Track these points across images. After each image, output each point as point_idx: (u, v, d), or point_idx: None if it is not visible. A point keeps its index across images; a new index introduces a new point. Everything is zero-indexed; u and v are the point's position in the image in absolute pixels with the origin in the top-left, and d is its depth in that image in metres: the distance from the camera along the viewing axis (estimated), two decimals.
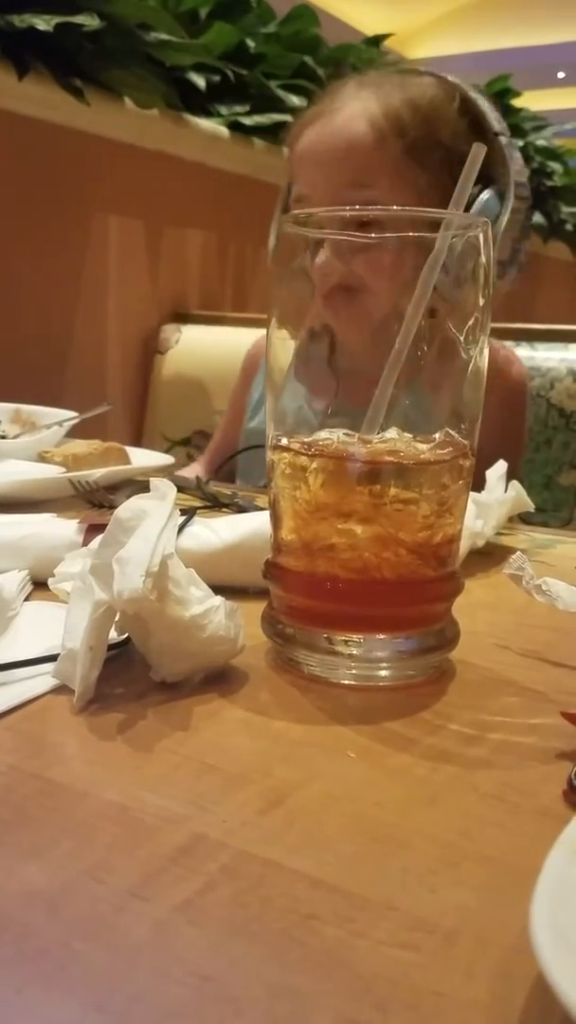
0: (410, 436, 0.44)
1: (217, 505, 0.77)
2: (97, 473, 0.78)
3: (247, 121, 1.79)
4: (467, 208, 0.81)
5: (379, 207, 0.43)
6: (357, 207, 0.43)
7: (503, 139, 0.91)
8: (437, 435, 0.44)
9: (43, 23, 1.31)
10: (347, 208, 0.44)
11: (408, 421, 0.44)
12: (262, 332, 1.22)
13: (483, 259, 0.43)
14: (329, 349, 0.45)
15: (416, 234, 0.43)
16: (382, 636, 0.43)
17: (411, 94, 0.91)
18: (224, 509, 0.76)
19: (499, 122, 0.92)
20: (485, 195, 0.88)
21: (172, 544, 0.41)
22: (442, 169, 0.89)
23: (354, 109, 0.91)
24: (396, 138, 0.89)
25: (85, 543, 0.54)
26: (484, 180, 0.90)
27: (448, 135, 0.90)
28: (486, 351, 0.44)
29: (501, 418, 0.78)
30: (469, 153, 0.90)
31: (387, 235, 0.42)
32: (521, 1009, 0.23)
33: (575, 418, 1.24)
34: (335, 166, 0.90)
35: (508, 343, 1.30)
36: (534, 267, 3.26)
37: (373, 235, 0.42)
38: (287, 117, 1.85)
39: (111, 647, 0.41)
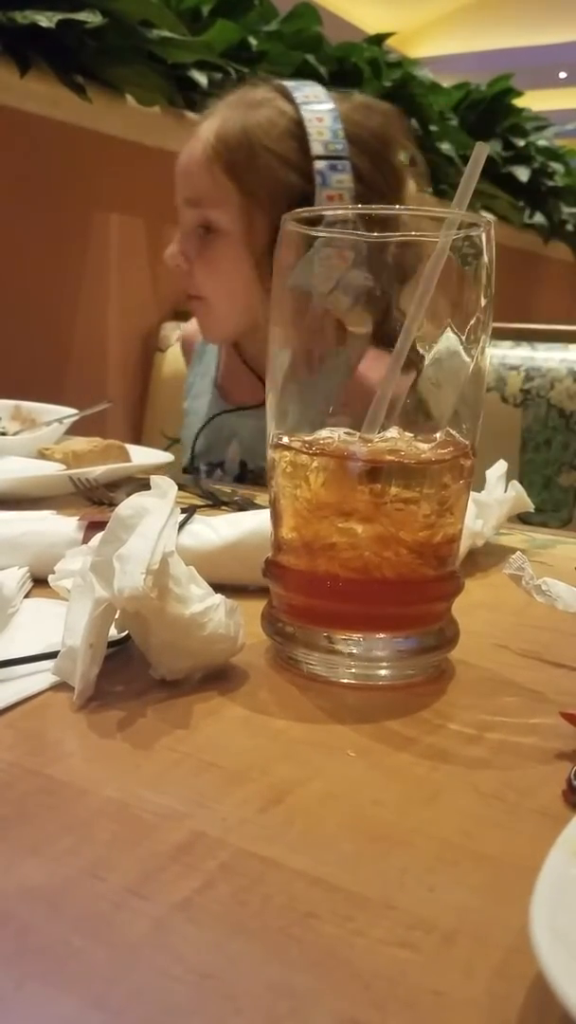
0: (411, 435, 0.44)
1: (217, 503, 0.77)
2: (97, 470, 0.78)
3: None
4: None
5: (384, 206, 0.43)
6: (360, 206, 0.43)
7: (319, 163, 0.96)
8: (438, 435, 0.44)
9: (45, 19, 1.31)
10: (350, 208, 0.44)
11: (409, 420, 0.44)
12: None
13: (485, 259, 0.43)
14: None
15: (419, 234, 0.43)
16: (382, 635, 0.43)
17: (247, 122, 0.97)
18: (224, 507, 0.76)
19: (321, 145, 0.97)
20: None
21: (173, 542, 0.41)
22: (265, 193, 0.97)
23: (201, 130, 1.00)
24: (219, 160, 0.97)
25: (85, 540, 0.54)
26: (301, 203, 0.95)
27: (270, 161, 0.97)
28: (488, 351, 0.44)
29: None
30: (289, 178, 0.90)
31: (390, 235, 0.42)
32: (520, 1008, 0.23)
33: (574, 418, 1.24)
34: (179, 183, 1.01)
35: (508, 343, 1.30)
36: (534, 267, 3.26)
37: (376, 234, 0.42)
38: None
39: (111, 644, 0.42)
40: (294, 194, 0.96)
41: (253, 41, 1.78)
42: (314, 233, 0.44)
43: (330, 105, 0.99)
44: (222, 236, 1.00)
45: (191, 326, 1.28)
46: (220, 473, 1.13)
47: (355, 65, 2.07)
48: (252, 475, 1.10)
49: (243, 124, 0.97)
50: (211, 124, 0.99)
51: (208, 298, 1.03)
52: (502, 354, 1.29)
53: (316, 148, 0.96)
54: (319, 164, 0.96)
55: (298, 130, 0.97)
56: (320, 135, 0.97)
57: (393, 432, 0.44)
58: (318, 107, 0.99)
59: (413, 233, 0.43)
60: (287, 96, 1.00)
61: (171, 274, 1.18)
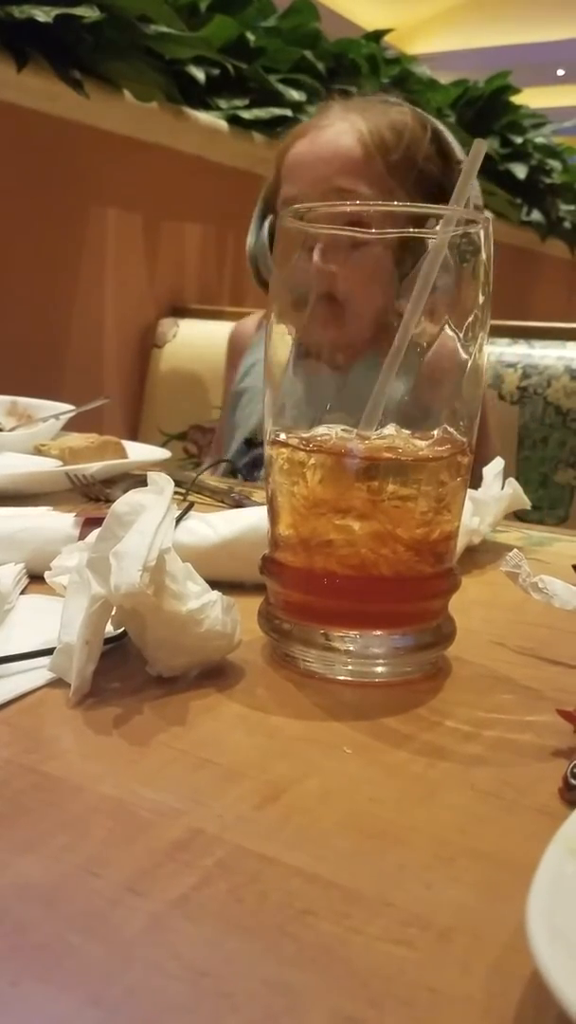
0: (408, 432, 0.44)
1: (215, 493, 0.77)
2: (94, 467, 0.78)
3: (246, 115, 1.78)
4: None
5: (379, 202, 0.43)
6: (358, 203, 0.43)
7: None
8: (435, 432, 0.44)
9: (43, 14, 1.31)
10: (347, 203, 0.44)
11: (406, 417, 0.44)
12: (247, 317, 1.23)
13: (483, 256, 0.43)
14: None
15: (417, 231, 0.43)
16: (379, 632, 0.43)
17: (393, 120, 1.04)
18: (221, 504, 0.76)
19: (462, 153, 1.07)
20: None
21: (169, 539, 0.41)
22: (415, 188, 1.03)
23: (343, 126, 1.04)
24: (380, 155, 1.01)
25: (82, 537, 0.54)
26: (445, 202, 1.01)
27: (422, 159, 1.04)
28: (486, 348, 0.44)
29: None
30: (443, 176, 0.99)
31: (387, 231, 0.42)
32: (516, 1006, 0.23)
33: (571, 416, 1.24)
34: (323, 172, 1.02)
35: (505, 340, 1.31)
36: (532, 265, 3.26)
37: (374, 231, 0.42)
38: (286, 111, 1.84)
39: (107, 641, 0.41)
40: (436, 190, 1.04)
41: (251, 37, 1.78)
42: (313, 229, 0.44)
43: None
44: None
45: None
46: None
47: (353, 61, 2.07)
48: None
49: (396, 123, 1.04)
50: (357, 122, 1.03)
51: (354, 294, 1.06)
52: (499, 351, 1.30)
53: (458, 154, 1.06)
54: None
55: (435, 137, 1.06)
56: (454, 144, 1.08)
57: (390, 429, 0.44)
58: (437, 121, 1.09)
59: (412, 230, 0.43)
60: (412, 109, 1.09)
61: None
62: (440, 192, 1.04)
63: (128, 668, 0.42)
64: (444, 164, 1.06)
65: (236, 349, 1.36)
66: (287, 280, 0.45)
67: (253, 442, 1.19)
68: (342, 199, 1.00)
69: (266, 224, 1.14)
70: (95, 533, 0.42)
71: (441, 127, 1.08)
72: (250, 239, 1.16)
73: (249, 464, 1.17)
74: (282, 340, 0.45)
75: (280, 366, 0.45)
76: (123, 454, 0.87)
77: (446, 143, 1.07)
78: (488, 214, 0.43)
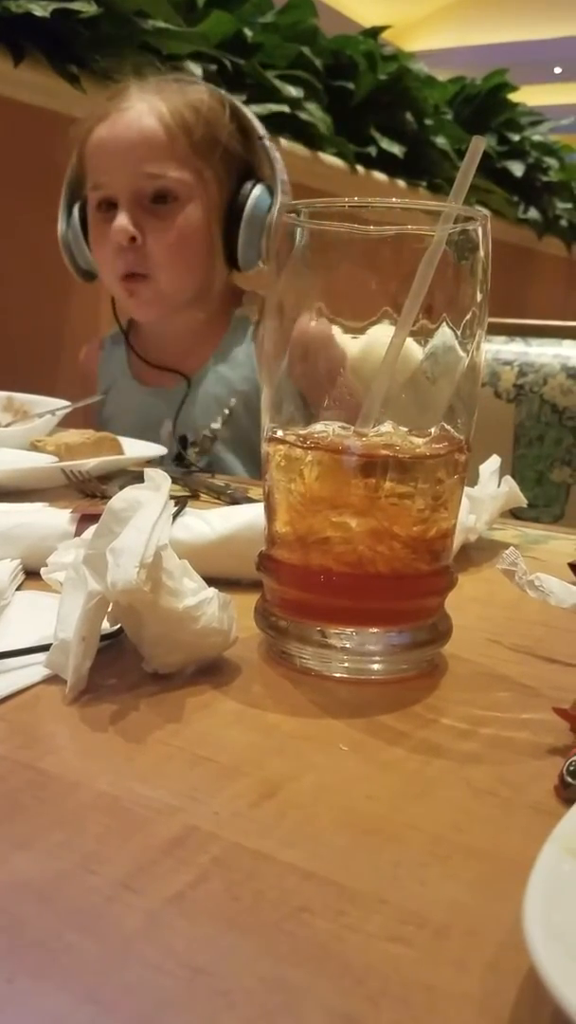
0: (406, 430, 0.44)
1: (211, 491, 0.77)
2: (90, 463, 0.78)
3: None
4: (241, 204, 1.06)
5: (379, 199, 0.43)
6: (356, 199, 0.43)
7: (266, 142, 1.08)
8: (433, 429, 0.44)
9: (40, 9, 1.30)
10: (345, 200, 0.44)
11: (404, 415, 0.44)
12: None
13: (481, 253, 0.43)
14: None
15: (416, 228, 0.43)
16: (375, 630, 0.43)
17: (191, 98, 1.06)
18: (217, 500, 0.76)
19: (262, 128, 1.10)
20: (257, 190, 1.06)
21: (166, 535, 0.41)
22: (221, 165, 1.06)
23: (143, 107, 1.05)
24: (183, 135, 1.03)
25: (78, 533, 0.54)
26: (253, 178, 1.08)
27: (224, 135, 1.06)
28: (483, 346, 0.44)
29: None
30: (246, 152, 1.05)
31: (386, 228, 0.42)
32: (512, 1003, 0.23)
33: (567, 414, 1.24)
34: (129, 156, 1.03)
35: (501, 338, 1.31)
36: (528, 263, 3.26)
37: (372, 227, 0.42)
38: (284, 107, 1.84)
39: (104, 638, 0.41)
40: (241, 166, 1.07)
41: (248, 33, 1.78)
42: (310, 226, 0.44)
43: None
44: (181, 203, 1.05)
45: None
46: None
47: (350, 58, 2.07)
48: (196, 447, 1.12)
49: (194, 102, 1.06)
50: (155, 103, 1.05)
51: (157, 272, 1.06)
52: (496, 349, 1.29)
53: (258, 129, 1.09)
54: (267, 143, 1.09)
55: (234, 113, 1.08)
56: (253, 120, 1.10)
57: (388, 426, 0.44)
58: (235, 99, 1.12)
59: (410, 227, 0.43)
60: (208, 86, 1.12)
61: None
62: (245, 168, 1.08)
63: (124, 664, 0.42)
64: (245, 140, 1.08)
65: (89, 378, 1.31)
66: (287, 276, 0.45)
67: None
68: (151, 183, 1.02)
69: (75, 210, 1.12)
70: (91, 529, 0.42)
71: (238, 103, 1.10)
72: (61, 226, 1.14)
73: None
74: (280, 337, 0.45)
75: (278, 363, 0.45)
76: (119, 450, 0.87)
77: (245, 119, 1.08)
78: (485, 211, 0.43)
